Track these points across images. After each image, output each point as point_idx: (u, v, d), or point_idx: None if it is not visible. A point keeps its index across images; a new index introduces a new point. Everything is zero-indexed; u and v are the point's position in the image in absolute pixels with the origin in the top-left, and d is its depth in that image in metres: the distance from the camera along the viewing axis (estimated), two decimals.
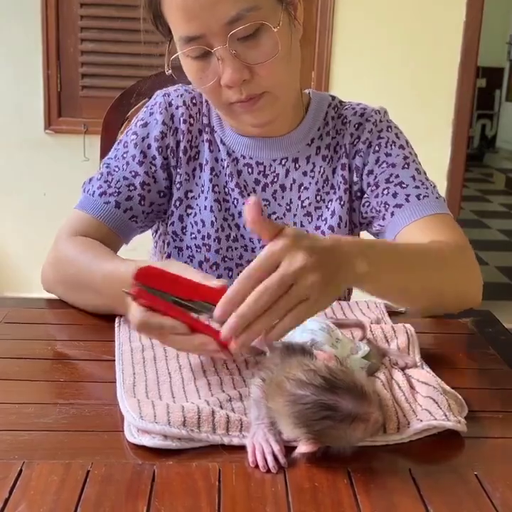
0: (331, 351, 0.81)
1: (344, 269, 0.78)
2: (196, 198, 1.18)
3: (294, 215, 1.17)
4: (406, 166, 1.14)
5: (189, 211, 1.18)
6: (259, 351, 0.85)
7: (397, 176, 1.13)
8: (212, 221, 1.17)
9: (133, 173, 1.15)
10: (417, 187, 1.12)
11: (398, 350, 0.92)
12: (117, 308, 0.97)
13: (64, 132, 3.07)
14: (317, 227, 1.17)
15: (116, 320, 1.00)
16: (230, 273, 1.19)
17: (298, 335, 0.85)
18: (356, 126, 1.18)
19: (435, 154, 3.08)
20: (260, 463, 0.69)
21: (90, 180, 1.17)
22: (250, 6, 0.98)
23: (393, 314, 1.06)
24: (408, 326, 0.98)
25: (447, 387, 0.83)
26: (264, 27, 1.01)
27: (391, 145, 1.16)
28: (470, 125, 3.90)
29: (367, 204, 1.16)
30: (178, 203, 1.18)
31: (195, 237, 1.18)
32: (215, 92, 1.05)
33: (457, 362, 0.96)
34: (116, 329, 0.97)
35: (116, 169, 1.15)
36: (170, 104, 1.17)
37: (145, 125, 1.17)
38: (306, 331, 0.86)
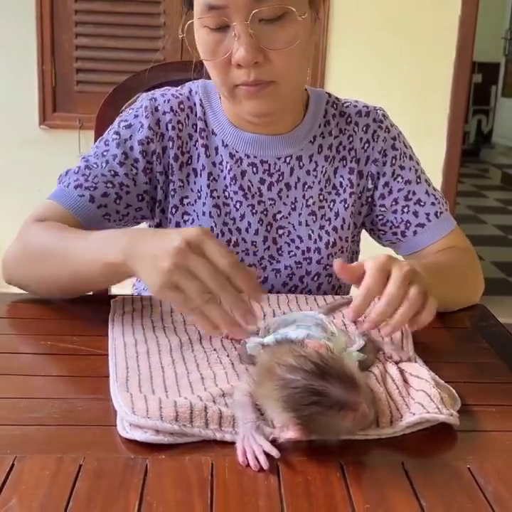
0: (323, 341, 0.81)
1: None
2: (193, 204, 1.15)
3: (299, 214, 1.17)
4: (418, 180, 1.19)
5: (186, 217, 1.16)
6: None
7: (414, 193, 1.18)
8: (211, 227, 1.15)
9: (112, 172, 1.12)
10: (433, 204, 1.19)
11: (392, 344, 0.92)
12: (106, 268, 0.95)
13: (59, 127, 3.06)
14: (321, 227, 1.17)
15: (110, 315, 1.00)
16: None
17: (292, 331, 0.85)
18: (365, 129, 1.18)
19: (431, 150, 3.08)
20: (251, 462, 0.69)
21: (66, 172, 1.14)
22: None
23: None
24: None
25: (440, 381, 0.84)
26: (289, 14, 0.99)
27: (403, 157, 1.19)
28: (466, 120, 3.90)
29: (381, 217, 1.20)
30: (173, 210, 1.16)
31: None
32: (223, 69, 1.03)
33: (451, 355, 0.96)
34: (109, 324, 0.97)
35: (95, 165, 1.12)
36: (156, 109, 1.13)
37: (128, 126, 1.14)
38: (301, 327, 0.86)
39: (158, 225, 1.20)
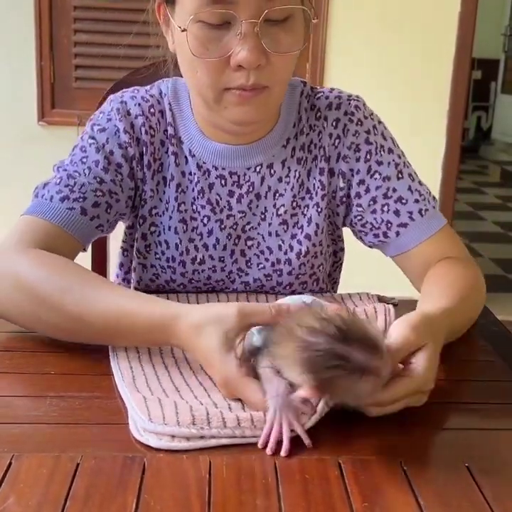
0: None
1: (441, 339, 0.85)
2: (161, 216, 1.09)
3: (269, 224, 1.10)
4: (400, 175, 1.10)
5: (153, 229, 1.10)
6: None
7: (394, 190, 1.09)
8: (176, 244, 1.10)
9: (98, 179, 1.03)
10: (416, 201, 1.09)
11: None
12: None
13: (57, 124, 3.04)
14: (293, 236, 1.11)
15: None
16: (198, 291, 1.13)
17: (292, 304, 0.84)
18: (334, 123, 1.09)
19: (430, 146, 3.08)
20: (270, 446, 0.70)
21: (44, 185, 1.04)
22: None
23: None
24: (389, 306, 1.00)
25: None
26: (294, 17, 0.94)
27: (380, 151, 1.09)
28: (465, 117, 3.90)
29: (359, 217, 1.11)
30: (141, 221, 1.10)
31: (160, 258, 1.11)
32: (216, 70, 0.94)
33: (449, 354, 0.96)
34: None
35: (77, 174, 1.03)
36: (128, 113, 1.06)
37: (103, 130, 1.05)
38: (300, 302, 0.86)
39: (131, 227, 1.15)
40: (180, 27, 0.95)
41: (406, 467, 0.69)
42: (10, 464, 0.67)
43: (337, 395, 0.71)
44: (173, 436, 0.71)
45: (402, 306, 1.07)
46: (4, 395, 0.80)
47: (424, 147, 3.07)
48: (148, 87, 1.12)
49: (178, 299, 1.07)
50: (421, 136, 3.05)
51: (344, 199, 1.12)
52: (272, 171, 1.09)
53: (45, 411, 0.76)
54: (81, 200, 1.02)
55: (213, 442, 0.72)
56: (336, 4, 3.00)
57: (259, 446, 0.71)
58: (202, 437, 0.72)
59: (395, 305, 1.06)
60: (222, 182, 1.09)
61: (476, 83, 7.09)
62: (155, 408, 0.74)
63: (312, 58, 3.01)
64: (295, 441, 0.72)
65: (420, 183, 1.12)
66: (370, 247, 1.16)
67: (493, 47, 7.12)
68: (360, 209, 1.11)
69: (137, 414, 0.74)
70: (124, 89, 1.12)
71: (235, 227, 1.10)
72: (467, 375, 0.90)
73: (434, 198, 1.13)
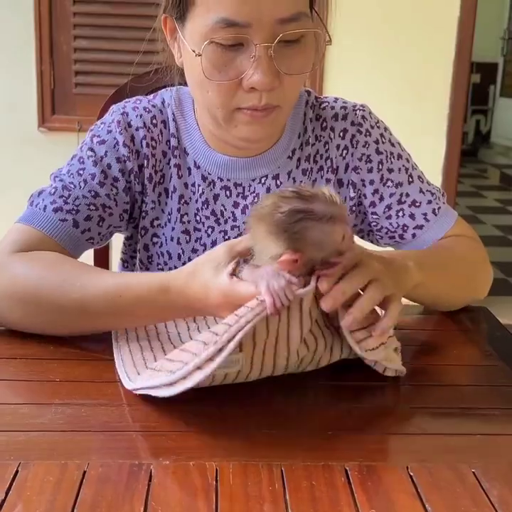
0: None
1: (403, 277, 0.91)
2: (163, 227, 1.10)
3: None
4: (410, 179, 1.11)
5: (155, 240, 1.11)
6: None
7: (407, 195, 1.11)
8: (178, 254, 1.10)
9: (93, 193, 1.03)
10: (429, 202, 1.11)
11: None
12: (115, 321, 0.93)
13: (57, 130, 3.05)
14: None
15: None
16: None
17: None
18: (342, 134, 1.10)
19: (430, 150, 3.08)
20: (279, 294, 0.75)
21: (39, 193, 1.04)
22: (305, 11, 0.94)
23: None
24: None
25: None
26: (307, 38, 0.95)
27: (391, 158, 1.11)
28: (464, 121, 3.89)
29: (375, 224, 1.13)
30: (143, 232, 1.10)
31: (162, 269, 1.11)
32: (228, 92, 0.95)
33: (453, 358, 0.96)
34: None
35: (73, 186, 1.03)
36: (129, 125, 1.06)
37: (102, 142, 1.05)
38: None
39: (130, 238, 1.16)
40: (194, 51, 0.94)
41: (412, 473, 0.69)
42: (17, 471, 0.67)
43: (313, 250, 0.77)
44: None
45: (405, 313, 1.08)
46: (10, 402, 0.80)
47: (424, 151, 3.07)
48: (150, 97, 1.11)
49: None
50: (421, 140, 3.05)
51: (354, 208, 1.13)
52: (278, 182, 1.09)
53: (50, 418, 0.76)
54: (74, 212, 1.02)
55: (198, 377, 0.74)
56: (335, 9, 3.00)
57: (269, 307, 0.74)
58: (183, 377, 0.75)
59: None
60: (227, 193, 1.09)
61: (475, 87, 7.11)
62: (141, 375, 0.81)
63: None
64: (301, 447, 0.72)
65: (428, 182, 1.14)
66: (384, 247, 1.17)
67: (491, 50, 7.14)
68: (375, 216, 1.12)
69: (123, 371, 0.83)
70: (126, 99, 1.11)
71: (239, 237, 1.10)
72: (471, 380, 0.90)
73: (443, 193, 1.15)
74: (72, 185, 1.04)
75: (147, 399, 0.80)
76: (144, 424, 0.76)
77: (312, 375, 0.88)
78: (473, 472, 0.70)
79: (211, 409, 0.79)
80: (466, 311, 1.11)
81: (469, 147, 7.31)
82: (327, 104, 1.12)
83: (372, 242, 1.18)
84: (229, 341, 0.74)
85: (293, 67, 0.94)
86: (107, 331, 0.95)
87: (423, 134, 3.06)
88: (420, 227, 1.11)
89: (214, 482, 0.67)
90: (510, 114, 7.20)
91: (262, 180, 1.09)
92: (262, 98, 0.94)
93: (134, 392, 0.80)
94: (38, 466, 0.68)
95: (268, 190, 1.09)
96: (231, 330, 0.74)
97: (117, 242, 1.22)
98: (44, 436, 0.73)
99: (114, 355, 0.90)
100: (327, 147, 1.11)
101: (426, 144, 3.06)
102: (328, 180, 1.10)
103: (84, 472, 0.67)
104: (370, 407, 0.84)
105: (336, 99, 1.13)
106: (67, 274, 0.93)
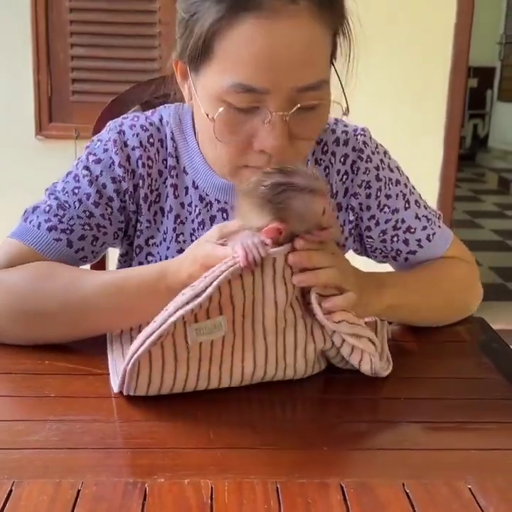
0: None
1: (373, 297, 0.97)
2: (158, 246, 1.09)
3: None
4: (407, 205, 1.11)
5: (150, 258, 1.10)
6: None
7: (403, 221, 1.11)
8: None
9: (88, 213, 1.03)
10: (424, 228, 1.11)
11: None
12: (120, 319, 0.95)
13: (55, 138, 3.05)
14: None
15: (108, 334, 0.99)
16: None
17: None
18: (343, 160, 1.09)
19: (428, 155, 3.08)
20: (253, 251, 0.80)
21: (34, 210, 1.04)
22: (325, 78, 0.92)
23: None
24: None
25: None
26: (323, 103, 0.93)
27: (389, 185, 1.10)
28: (462, 125, 3.90)
29: (369, 246, 1.14)
30: (138, 250, 1.10)
31: None
32: (237, 151, 0.94)
33: (450, 371, 0.96)
34: (108, 341, 0.96)
35: (68, 205, 1.03)
36: (125, 144, 1.04)
37: (98, 161, 1.04)
38: None
39: (125, 255, 1.15)
40: (207, 114, 0.92)
41: (408, 490, 0.69)
42: (10, 491, 0.67)
43: (296, 221, 0.82)
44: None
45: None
46: (4, 419, 0.80)
47: (422, 155, 3.08)
48: (148, 113, 1.10)
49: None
50: (418, 145, 3.05)
51: (352, 231, 1.13)
52: None
53: (45, 435, 0.76)
54: (68, 232, 1.03)
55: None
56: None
57: (243, 261, 0.80)
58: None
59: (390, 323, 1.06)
60: (224, 215, 1.08)
61: (472, 91, 7.11)
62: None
63: None
64: (296, 463, 0.72)
65: (425, 206, 1.14)
66: (380, 263, 1.19)
67: (488, 55, 7.14)
68: (370, 240, 1.13)
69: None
70: (123, 115, 1.10)
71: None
72: (468, 393, 0.90)
73: (439, 216, 1.15)
74: (67, 205, 1.03)
75: (142, 414, 0.80)
76: (138, 440, 0.76)
77: (305, 389, 0.88)
78: (470, 488, 0.70)
79: (205, 426, 0.79)
80: (463, 322, 1.11)
81: (467, 151, 7.31)
82: (328, 126, 1.10)
83: (368, 256, 1.18)
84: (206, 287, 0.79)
85: (307, 131, 0.93)
86: (109, 330, 0.97)
87: (421, 139, 3.06)
88: (413, 252, 1.12)
89: (209, 500, 0.66)
90: (507, 118, 7.21)
91: None
92: (271, 160, 0.92)
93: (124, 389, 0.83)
94: (32, 485, 0.68)
95: None
96: (206, 280, 0.80)
97: (114, 255, 1.22)
98: (38, 453, 0.73)
99: (109, 360, 0.91)
100: (327, 171, 1.10)
101: (424, 148, 3.07)
102: None
103: (79, 491, 0.67)
104: (365, 422, 0.83)
105: (336, 122, 1.12)
106: (64, 279, 0.96)
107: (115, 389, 0.85)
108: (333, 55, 0.96)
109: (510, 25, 7.23)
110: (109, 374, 0.89)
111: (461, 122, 3.24)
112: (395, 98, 3.08)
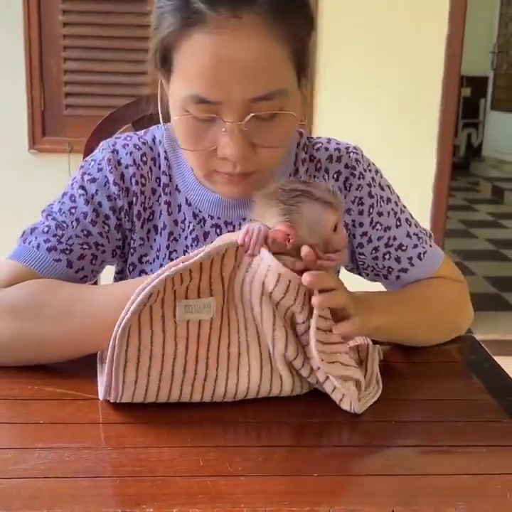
0: None
1: (364, 317, 0.94)
2: (151, 263, 1.10)
3: None
4: (398, 222, 1.12)
5: (143, 276, 1.09)
6: None
7: (394, 238, 1.12)
8: None
9: (85, 232, 1.05)
10: (415, 246, 1.13)
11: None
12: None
13: (48, 151, 3.05)
14: None
15: (98, 356, 0.98)
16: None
17: None
18: (336, 176, 1.11)
19: (421, 164, 3.09)
20: (252, 239, 0.83)
21: (32, 230, 1.04)
22: (282, 88, 0.93)
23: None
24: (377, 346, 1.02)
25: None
26: (283, 113, 0.94)
27: (381, 202, 1.12)
28: (455, 134, 3.91)
29: (361, 262, 1.14)
30: (131, 268, 1.11)
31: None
32: (203, 158, 0.98)
33: (441, 392, 0.96)
34: (98, 365, 0.96)
35: (65, 225, 1.04)
36: (119, 163, 1.06)
37: (93, 180, 1.06)
38: None
39: (120, 272, 1.15)
40: (173, 117, 0.97)
41: None
42: None
43: (305, 229, 0.84)
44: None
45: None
46: None
47: (416, 165, 3.09)
48: (141, 133, 1.12)
49: None
50: (412, 154, 3.07)
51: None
52: None
53: (33, 464, 0.75)
54: (68, 252, 1.03)
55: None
56: (325, 27, 3.02)
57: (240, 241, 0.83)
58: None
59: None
60: (218, 231, 1.09)
61: (466, 100, 7.15)
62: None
63: None
64: (286, 490, 0.72)
65: (416, 225, 1.15)
66: (371, 281, 1.19)
67: (481, 64, 7.18)
68: (362, 256, 1.14)
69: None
70: (116, 135, 1.12)
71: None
72: (458, 415, 0.89)
73: (430, 235, 1.17)
74: (65, 224, 1.04)
75: (131, 441, 0.80)
76: (127, 468, 0.76)
77: (292, 412, 0.88)
78: None
79: (194, 452, 0.79)
80: (454, 341, 1.11)
81: (461, 160, 7.34)
82: (321, 144, 1.13)
83: (360, 274, 1.18)
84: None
85: (267, 139, 0.95)
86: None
87: (414, 148, 3.08)
88: (405, 270, 1.12)
89: None
90: (501, 127, 7.24)
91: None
92: (236, 166, 0.96)
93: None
94: None
95: None
96: (201, 254, 0.82)
97: (106, 272, 1.21)
98: (26, 483, 0.72)
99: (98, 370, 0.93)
100: None
101: (417, 158, 3.08)
102: None
103: None
104: (356, 446, 0.83)
105: (329, 140, 1.14)
106: (67, 295, 0.96)
107: (100, 396, 0.85)
108: (301, 66, 0.97)
109: (502, 35, 7.28)
110: (97, 400, 0.88)
111: (454, 131, 3.26)
112: (388, 108, 3.09)
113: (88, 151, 1.50)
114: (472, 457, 0.80)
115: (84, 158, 1.47)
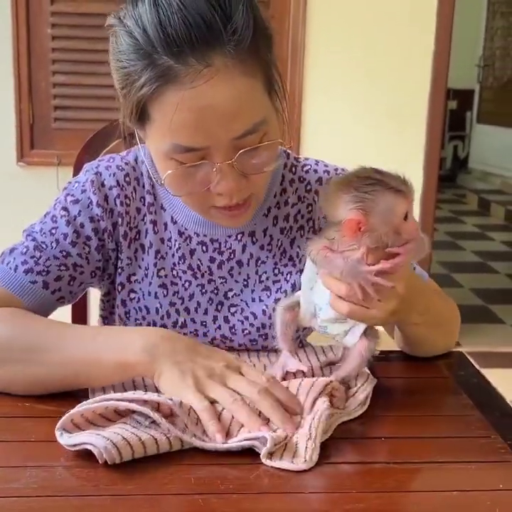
0: None
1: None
2: (140, 282, 1.10)
3: (252, 291, 1.12)
4: None
5: (132, 295, 1.11)
6: None
7: None
8: (156, 308, 1.10)
9: (64, 253, 1.05)
10: None
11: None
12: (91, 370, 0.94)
13: (37, 164, 3.05)
14: (276, 300, 1.10)
15: None
16: None
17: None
18: None
19: (408, 176, 3.10)
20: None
21: (11, 251, 1.05)
22: (261, 119, 0.93)
23: None
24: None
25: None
26: (266, 138, 0.95)
27: None
28: (442, 146, 3.94)
29: None
30: (120, 288, 1.11)
31: (141, 324, 1.11)
32: (198, 198, 0.98)
33: (429, 408, 0.97)
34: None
35: (45, 246, 1.05)
36: (102, 185, 1.07)
37: (76, 202, 1.06)
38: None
39: (107, 294, 1.16)
40: (158, 165, 0.98)
41: None
42: None
43: (377, 218, 0.86)
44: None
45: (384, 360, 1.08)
46: None
47: None
48: (123, 154, 1.12)
49: None
50: (399, 166, 3.07)
51: None
52: (254, 239, 1.11)
53: (25, 483, 0.75)
54: (44, 273, 1.04)
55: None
56: (313, 41, 3.04)
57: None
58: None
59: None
60: (204, 248, 1.10)
61: (452, 113, 7.20)
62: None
63: (290, 97, 3.03)
64: (277, 509, 0.72)
65: None
66: None
67: (467, 77, 7.24)
68: None
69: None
70: (99, 158, 1.12)
71: (215, 292, 1.12)
72: (448, 432, 0.90)
73: None
74: (44, 245, 1.05)
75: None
76: (118, 487, 0.76)
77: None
78: None
79: (186, 471, 0.79)
80: (443, 357, 1.11)
81: (447, 172, 7.38)
82: (310, 166, 1.15)
83: None
84: None
85: (257, 167, 0.96)
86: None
87: (401, 160, 3.09)
88: None
89: None
90: (487, 139, 7.30)
91: (238, 237, 1.10)
92: (232, 198, 0.97)
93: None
94: None
95: (244, 246, 1.11)
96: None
97: (95, 298, 1.22)
98: (17, 503, 0.72)
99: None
100: (310, 209, 1.13)
101: (404, 170, 3.07)
102: (308, 240, 1.09)
103: None
104: (345, 463, 0.83)
105: (317, 162, 1.15)
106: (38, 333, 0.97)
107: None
108: (270, 84, 0.97)
109: (488, 48, 7.35)
110: None
111: (440, 144, 3.28)
112: (374, 120, 3.12)
113: (78, 164, 1.50)
114: (462, 473, 0.81)
115: (74, 172, 1.47)
